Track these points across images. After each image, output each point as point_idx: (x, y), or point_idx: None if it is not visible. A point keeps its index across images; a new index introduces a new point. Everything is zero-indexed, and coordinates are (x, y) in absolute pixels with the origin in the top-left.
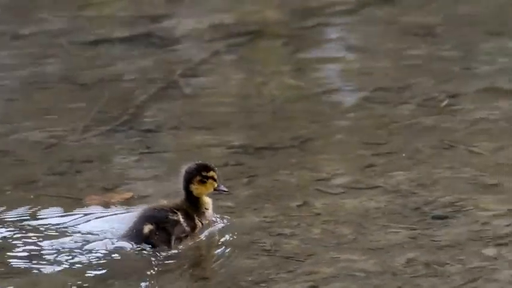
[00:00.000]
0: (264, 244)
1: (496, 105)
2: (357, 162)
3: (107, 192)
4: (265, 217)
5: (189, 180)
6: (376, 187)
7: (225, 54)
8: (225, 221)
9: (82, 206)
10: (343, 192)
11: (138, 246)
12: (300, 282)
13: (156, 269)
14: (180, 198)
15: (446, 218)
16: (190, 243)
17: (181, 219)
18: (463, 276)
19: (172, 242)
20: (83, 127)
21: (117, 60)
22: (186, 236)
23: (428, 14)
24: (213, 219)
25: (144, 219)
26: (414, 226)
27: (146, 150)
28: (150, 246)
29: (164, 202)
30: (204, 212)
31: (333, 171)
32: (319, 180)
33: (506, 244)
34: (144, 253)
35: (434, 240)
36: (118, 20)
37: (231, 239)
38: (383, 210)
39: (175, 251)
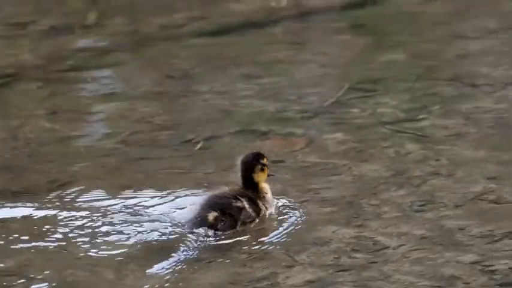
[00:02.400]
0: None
1: (253, 147)
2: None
3: None
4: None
5: (250, 169)
6: None
7: None
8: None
9: None
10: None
11: (203, 232)
12: None
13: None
14: (237, 186)
15: (211, 262)
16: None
17: (246, 205)
18: None
19: (238, 226)
20: None
21: None
22: (252, 221)
23: (184, 56)
24: (274, 203)
25: (209, 206)
26: (177, 269)
27: None
28: (215, 232)
29: (226, 189)
30: (264, 197)
31: (91, 215)
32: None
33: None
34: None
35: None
36: None
37: None
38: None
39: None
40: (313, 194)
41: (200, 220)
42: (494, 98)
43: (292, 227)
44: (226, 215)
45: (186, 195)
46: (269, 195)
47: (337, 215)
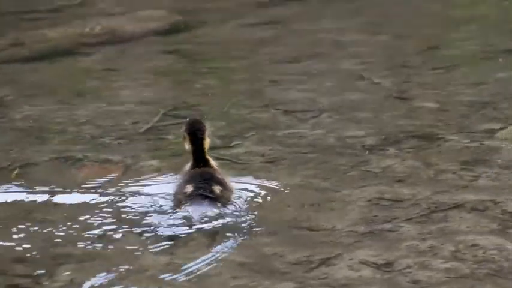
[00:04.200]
0: None
1: (69, 173)
2: None
3: None
4: None
5: (202, 135)
6: None
7: None
8: None
9: None
10: None
11: (212, 205)
12: None
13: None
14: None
15: None
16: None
17: (226, 181)
18: None
19: (232, 198)
20: None
21: None
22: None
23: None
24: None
25: (211, 180)
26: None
27: None
28: (221, 204)
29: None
30: (220, 172)
31: None
32: None
33: None
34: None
35: None
36: None
37: None
38: None
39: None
40: (129, 221)
41: (208, 193)
42: (309, 124)
43: (103, 252)
44: (225, 189)
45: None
46: (219, 169)
47: (153, 241)
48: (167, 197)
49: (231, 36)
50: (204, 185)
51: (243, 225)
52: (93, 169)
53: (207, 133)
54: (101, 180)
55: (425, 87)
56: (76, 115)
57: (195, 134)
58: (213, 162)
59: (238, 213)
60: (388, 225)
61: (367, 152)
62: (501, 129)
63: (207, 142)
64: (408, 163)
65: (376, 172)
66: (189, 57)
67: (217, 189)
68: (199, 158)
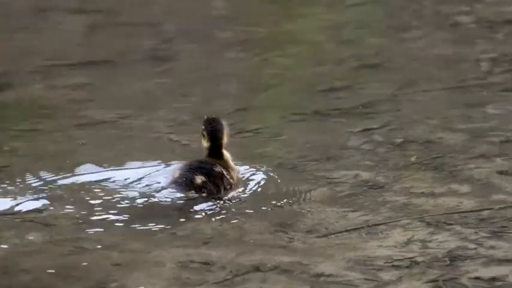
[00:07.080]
0: None
1: None
2: None
3: None
4: None
5: (222, 133)
6: None
7: None
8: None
9: None
10: None
11: (190, 193)
12: None
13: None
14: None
15: None
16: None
17: (225, 172)
18: None
19: (222, 192)
20: None
21: None
22: (230, 187)
23: None
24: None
25: (194, 170)
26: None
27: None
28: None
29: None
30: (232, 167)
31: None
32: None
33: None
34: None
35: None
36: None
37: None
38: None
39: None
40: None
41: (186, 181)
42: (117, 185)
43: None
44: (211, 180)
45: None
46: (231, 162)
47: None
48: None
49: (39, 98)
50: (187, 174)
51: None
52: None
53: (225, 132)
54: None
55: (233, 150)
56: None
57: (214, 133)
58: (227, 155)
59: None
60: None
61: (176, 212)
62: (308, 191)
63: (225, 141)
64: (216, 224)
65: (185, 234)
66: None
67: (198, 179)
68: (214, 153)
